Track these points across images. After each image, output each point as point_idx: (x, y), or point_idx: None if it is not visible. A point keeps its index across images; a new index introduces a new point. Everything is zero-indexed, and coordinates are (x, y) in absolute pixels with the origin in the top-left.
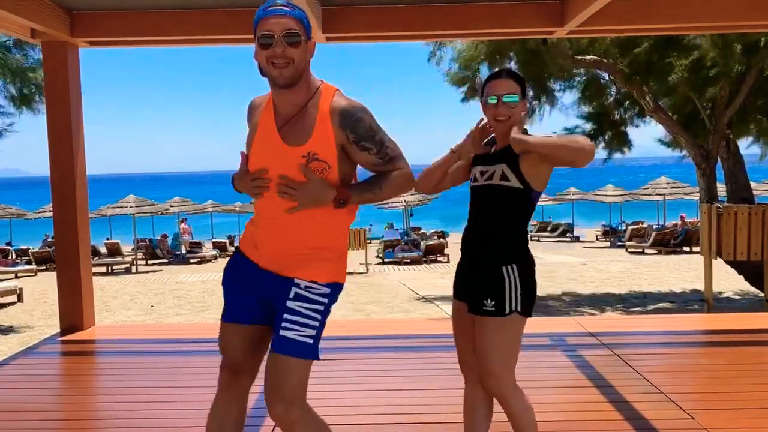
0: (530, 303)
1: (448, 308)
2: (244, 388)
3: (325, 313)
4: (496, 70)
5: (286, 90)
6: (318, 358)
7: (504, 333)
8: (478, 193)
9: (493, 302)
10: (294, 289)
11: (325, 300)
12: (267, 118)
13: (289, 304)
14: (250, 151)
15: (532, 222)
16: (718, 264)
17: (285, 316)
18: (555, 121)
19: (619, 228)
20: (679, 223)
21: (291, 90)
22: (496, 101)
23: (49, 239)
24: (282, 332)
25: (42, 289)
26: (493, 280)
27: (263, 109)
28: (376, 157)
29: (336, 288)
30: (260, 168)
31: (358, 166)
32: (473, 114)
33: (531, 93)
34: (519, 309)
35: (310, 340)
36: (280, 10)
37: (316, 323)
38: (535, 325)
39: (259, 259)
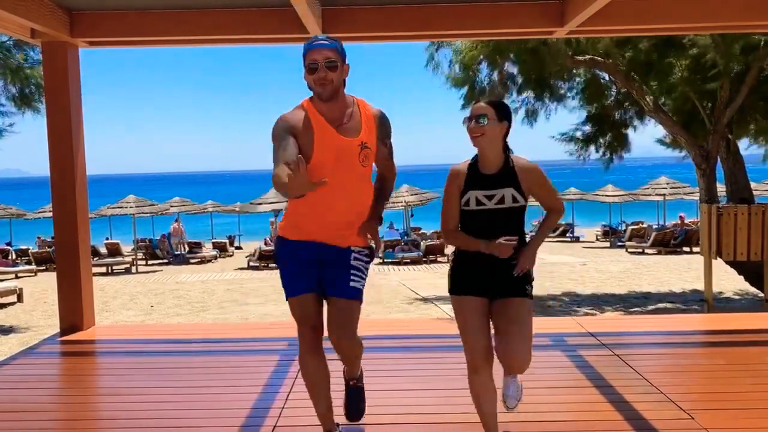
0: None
1: (448, 308)
2: (320, 340)
3: (368, 268)
4: (476, 99)
5: (330, 101)
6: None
7: (532, 313)
8: (488, 215)
9: (530, 287)
10: (353, 254)
11: (368, 258)
12: (320, 123)
13: (353, 263)
14: (312, 149)
15: (533, 222)
16: (718, 264)
17: (352, 272)
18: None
19: (619, 228)
20: (679, 223)
21: (335, 101)
22: (471, 120)
23: (44, 240)
24: (352, 284)
25: (42, 289)
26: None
27: (311, 120)
28: (387, 152)
29: (370, 248)
30: (323, 160)
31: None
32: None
33: (532, 94)
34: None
35: (363, 288)
36: (322, 45)
37: (365, 275)
38: (535, 325)
39: (315, 238)
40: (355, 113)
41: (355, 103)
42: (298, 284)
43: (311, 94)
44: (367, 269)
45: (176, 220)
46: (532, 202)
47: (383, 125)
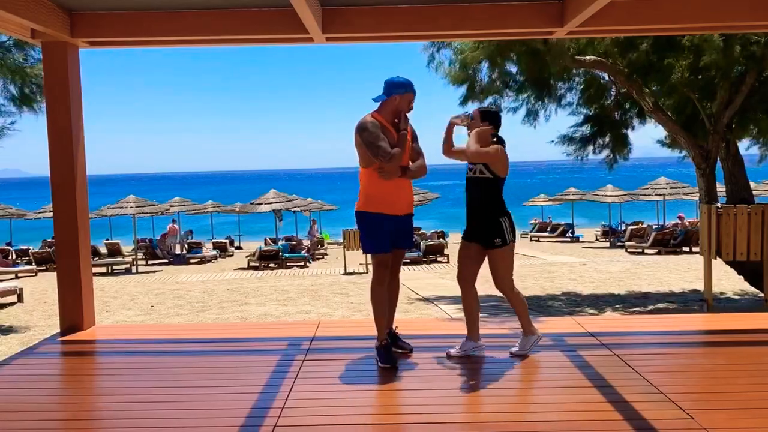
0: (514, 236)
1: (448, 308)
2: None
3: None
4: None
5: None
6: None
7: (506, 255)
8: (471, 180)
9: (500, 239)
10: (410, 219)
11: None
12: (387, 127)
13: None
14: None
15: (532, 221)
16: (718, 264)
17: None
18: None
19: (619, 228)
20: (678, 223)
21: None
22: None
23: (50, 242)
24: (414, 239)
25: (42, 289)
26: (493, 227)
27: (382, 125)
28: (417, 147)
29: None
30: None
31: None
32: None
33: (532, 94)
34: (512, 240)
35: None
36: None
37: None
38: (534, 325)
39: (398, 210)
40: (402, 123)
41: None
42: (386, 244)
43: (316, 96)
44: None
45: (173, 221)
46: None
47: (413, 130)
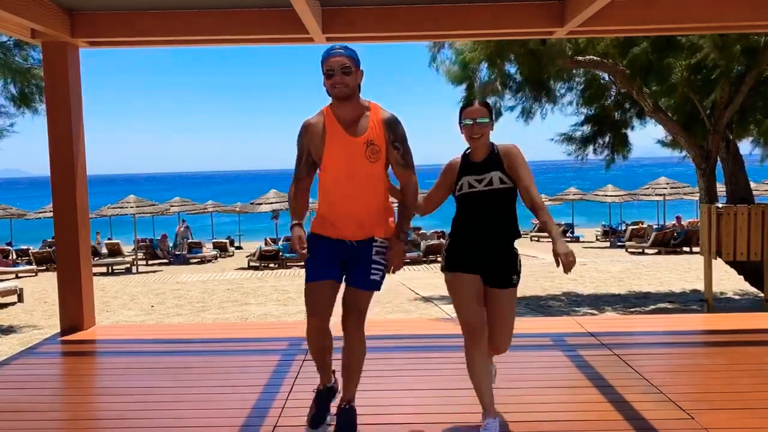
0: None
1: (448, 308)
2: (328, 321)
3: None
4: (469, 100)
5: (344, 102)
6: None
7: (515, 299)
8: (481, 197)
9: (516, 276)
10: (375, 247)
11: (386, 251)
12: (332, 124)
13: (374, 257)
14: (323, 147)
15: (533, 221)
16: (718, 264)
17: (373, 265)
18: (555, 121)
19: (619, 228)
20: (675, 223)
21: (348, 103)
22: (471, 123)
23: (51, 242)
24: (372, 276)
25: (42, 289)
26: (510, 260)
27: (326, 122)
28: (400, 157)
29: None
30: (333, 157)
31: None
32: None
33: (531, 94)
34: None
35: (381, 280)
36: (338, 53)
37: (383, 267)
38: (535, 325)
39: (346, 236)
40: (366, 116)
41: (369, 107)
42: (314, 272)
43: (315, 96)
44: (386, 259)
45: (183, 221)
46: None
47: (390, 128)
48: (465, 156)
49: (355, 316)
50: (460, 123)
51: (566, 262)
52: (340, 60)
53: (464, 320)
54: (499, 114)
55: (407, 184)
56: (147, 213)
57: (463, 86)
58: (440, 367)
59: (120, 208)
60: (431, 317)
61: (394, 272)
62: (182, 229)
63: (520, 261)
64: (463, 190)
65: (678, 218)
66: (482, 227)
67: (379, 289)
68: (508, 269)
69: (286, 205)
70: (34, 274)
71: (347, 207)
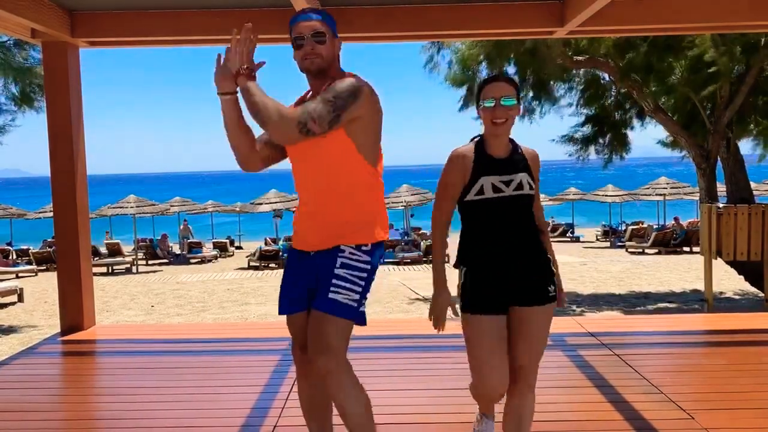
0: None
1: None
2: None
3: (369, 279)
4: (492, 74)
5: (317, 78)
6: (363, 323)
7: (551, 318)
8: (507, 204)
9: (553, 287)
10: (340, 259)
11: (368, 266)
12: (302, 100)
13: (337, 271)
14: None
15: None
16: (718, 264)
17: (333, 281)
18: (556, 120)
19: (619, 228)
20: (674, 224)
21: (322, 78)
22: (493, 104)
23: (51, 242)
24: (331, 295)
25: (42, 289)
26: (547, 269)
27: (305, 95)
28: (314, 102)
29: (376, 247)
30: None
31: (381, 168)
32: (472, 114)
33: (531, 93)
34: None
35: (354, 304)
36: (307, 16)
37: (359, 288)
38: None
39: (307, 245)
40: None
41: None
42: (284, 302)
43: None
44: (362, 279)
45: (185, 221)
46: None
47: (342, 77)
48: (479, 148)
49: (317, 352)
50: (477, 105)
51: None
52: (312, 25)
53: (482, 379)
54: None
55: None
56: (147, 213)
57: (464, 88)
58: (440, 367)
59: (120, 207)
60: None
61: None
62: (181, 228)
63: (554, 267)
64: (485, 194)
65: (676, 219)
66: (512, 245)
67: (348, 316)
68: (543, 283)
69: (287, 205)
70: (34, 274)
71: (310, 219)
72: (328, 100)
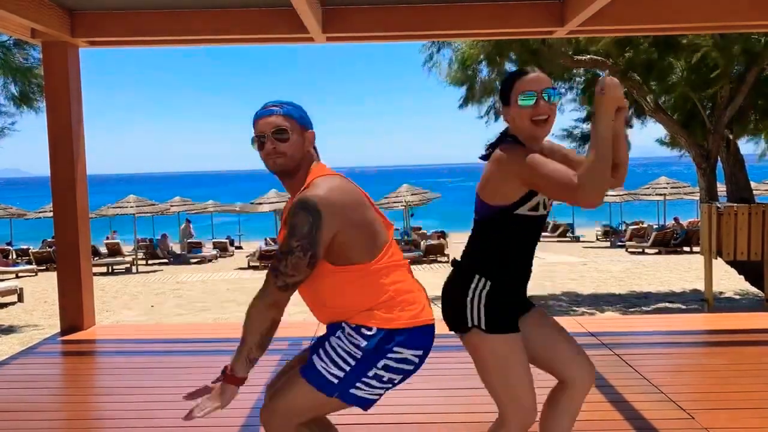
0: None
1: None
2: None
3: (363, 363)
4: (521, 69)
5: (286, 180)
6: (349, 403)
7: None
8: (537, 224)
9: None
10: (339, 332)
11: (361, 348)
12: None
13: (331, 339)
14: None
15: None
16: (718, 264)
17: (322, 347)
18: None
19: (619, 228)
20: (673, 224)
21: (292, 180)
22: (534, 98)
23: (50, 242)
24: (313, 358)
25: (42, 289)
26: None
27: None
28: (276, 256)
29: (381, 334)
30: None
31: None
32: (474, 114)
33: None
34: None
35: (335, 380)
36: (268, 111)
37: (347, 367)
38: None
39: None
40: None
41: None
42: None
43: (315, 96)
44: (353, 357)
45: (187, 220)
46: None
47: (289, 214)
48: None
49: (266, 397)
50: (506, 101)
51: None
52: (272, 121)
53: (526, 403)
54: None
55: (261, 293)
56: (147, 213)
57: (464, 88)
58: (440, 366)
59: (120, 207)
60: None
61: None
62: (182, 227)
63: None
64: (538, 210)
65: (676, 219)
66: (529, 263)
67: (315, 384)
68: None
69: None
70: (34, 273)
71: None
72: (294, 246)
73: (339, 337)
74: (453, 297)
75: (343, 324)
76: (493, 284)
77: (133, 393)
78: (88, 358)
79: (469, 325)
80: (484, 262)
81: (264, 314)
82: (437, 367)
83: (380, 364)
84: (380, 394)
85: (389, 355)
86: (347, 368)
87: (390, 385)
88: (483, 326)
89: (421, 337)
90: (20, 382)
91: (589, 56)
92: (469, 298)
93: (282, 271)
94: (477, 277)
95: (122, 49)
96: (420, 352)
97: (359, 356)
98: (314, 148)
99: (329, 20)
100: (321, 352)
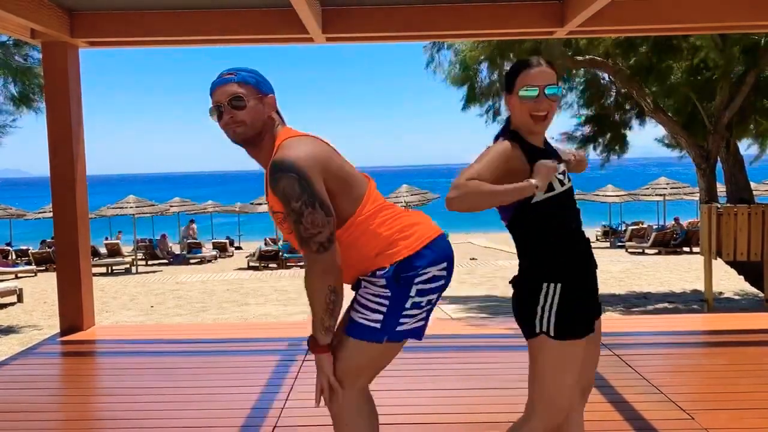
0: None
1: (449, 309)
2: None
3: (395, 300)
4: (527, 58)
5: (252, 149)
6: (381, 341)
7: None
8: (571, 195)
9: None
10: (363, 285)
11: (386, 291)
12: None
13: (358, 294)
14: None
15: None
16: (718, 264)
17: (354, 304)
18: (556, 121)
19: (619, 228)
20: (674, 224)
21: (258, 149)
22: (536, 93)
23: (49, 243)
24: (351, 316)
25: (42, 289)
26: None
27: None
28: (294, 229)
29: (397, 267)
30: None
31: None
32: (474, 115)
33: None
34: None
35: (377, 325)
36: (224, 80)
37: (384, 308)
38: None
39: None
40: None
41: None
42: None
43: (315, 96)
44: (384, 298)
45: (192, 220)
46: None
47: (270, 185)
48: (522, 141)
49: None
50: (508, 94)
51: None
52: (228, 90)
53: (562, 407)
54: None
55: (308, 268)
56: (147, 213)
57: (464, 88)
58: (441, 367)
59: (120, 208)
60: (431, 317)
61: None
62: (183, 228)
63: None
64: (555, 189)
65: (676, 219)
66: (581, 240)
67: (361, 337)
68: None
69: None
70: (33, 274)
71: None
72: (297, 207)
73: (364, 287)
74: (525, 313)
75: (360, 278)
76: (563, 283)
77: (133, 393)
78: (88, 359)
79: (537, 331)
80: (542, 265)
81: (320, 285)
82: (436, 368)
83: (412, 292)
84: (426, 318)
85: (416, 280)
86: (384, 310)
87: (431, 306)
88: (552, 333)
89: (437, 251)
90: (20, 382)
91: (588, 56)
92: (539, 306)
93: (306, 236)
94: (545, 285)
95: (122, 50)
96: (444, 264)
97: (389, 295)
98: (278, 112)
99: (329, 20)
100: (356, 307)
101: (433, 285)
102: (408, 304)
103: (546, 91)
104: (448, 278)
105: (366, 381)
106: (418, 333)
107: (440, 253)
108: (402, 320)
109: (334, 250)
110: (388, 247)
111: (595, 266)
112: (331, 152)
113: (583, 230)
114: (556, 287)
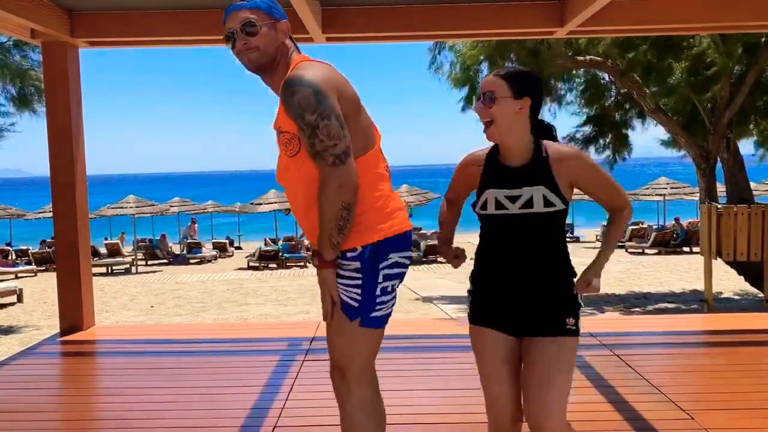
0: None
1: (448, 308)
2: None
3: (367, 275)
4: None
5: (266, 77)
6: (368, 325)
7: (574, 357)
8: (514, 222)
9: (574, 320)
10: (338, 262)
11: (356, 263)
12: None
13: (337, 270)
14: None
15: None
16: (718, 264)
17: (338, 281)
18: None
19: None
20: (674, 224)
21: (272, 76)
22: (475, 100)
23: (48, 243)
24: (340, 296)
25: (42, 289)
26: (569, 297)
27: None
28: (308, 143)
29: (365, 250)
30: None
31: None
32: (474, 115)
33: None
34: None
35: (354, 303)
36: (236, 6)
37: (358, 282)
38: None
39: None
40: None
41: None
42: None
43: None
44: (358, 272)
45: (193, 219)
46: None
47: (283, 99)
48: (493, 155)
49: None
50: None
51: (590, 287)
52: (240, 15)
53: (487, 401)
54: None
55: (322, 182)
56: (147, 213)
57: (465, 89)
58: (441, 367)
59: (119, 208)
60: (431, 317)
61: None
62: (184, 227)
63: (580, 303)
64: (487, 209)
65: (677, 219)
66: (517, 265)
67: (348, 315)
68: (558, 312)
69: (287, 205)
70: (33, 274)
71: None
72: (313, 120)
73: (339, 266)
74: (561, 307)
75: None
76: (474, 279)
77: (133, 393)
78: (88, 359)
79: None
80: (475, 257)
81: (334, 200)
82: (434, 368)
83: (380, 277)
84: (391, 306)
85: (383, 264)
86: (359, 284)
87: (394, 293)
88: (579, 332)
89: (403, 242)
90: (20, 382)
91: (588, 57)
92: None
93: (321, 149)
94: (471, 273)
95: (122, 50)
96: (407, 253)
97: (361, 278)
98: (291, 39)
99: (329, 20)
100: (339, 285)
101: (395, 270)
102: (378, 291)
103: (484, 98)
104: (407, 268)
105: (367, 364)
106: (384, 322)
107: (405, 245)
108: (378, 308)
109: (351, 164)
110: (371, 219)
111: (520, 291)
112: (348, 84)
113: (523, 262)
114: (472, 280)
